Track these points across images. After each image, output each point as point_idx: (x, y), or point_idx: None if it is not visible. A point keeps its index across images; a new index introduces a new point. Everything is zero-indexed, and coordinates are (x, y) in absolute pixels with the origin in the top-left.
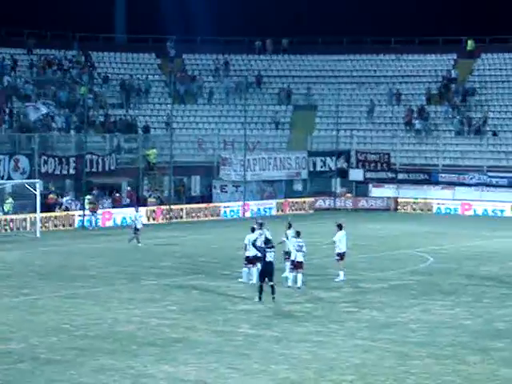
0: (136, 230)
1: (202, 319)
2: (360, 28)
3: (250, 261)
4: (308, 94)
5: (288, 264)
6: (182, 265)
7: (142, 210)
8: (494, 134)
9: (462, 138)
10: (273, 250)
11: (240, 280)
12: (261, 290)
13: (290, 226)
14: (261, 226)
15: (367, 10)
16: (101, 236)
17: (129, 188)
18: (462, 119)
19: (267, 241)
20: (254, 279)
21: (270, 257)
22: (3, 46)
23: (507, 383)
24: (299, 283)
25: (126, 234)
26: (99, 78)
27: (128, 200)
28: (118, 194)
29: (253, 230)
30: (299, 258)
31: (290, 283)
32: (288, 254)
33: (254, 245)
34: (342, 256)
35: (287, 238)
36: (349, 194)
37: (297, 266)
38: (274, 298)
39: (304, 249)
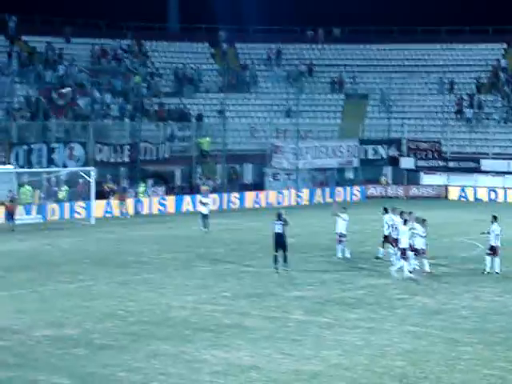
0: (204, 215)
1: (254, 305)
2: (410, 17)
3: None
4: (359, 82)
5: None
6: (234, 252)
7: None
8: None
9: (511, 127)
10: (280, 222)
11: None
12: (275, 260)
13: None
14: (279, 216)
15: None
16: (154, 223)
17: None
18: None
19: (279, 216)
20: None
21: (277, 229)
22: (57, 36)
23: None
24: (427, 268)
25: (179, 222)
26: (153, 67)
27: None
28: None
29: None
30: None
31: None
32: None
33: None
34: (494, 250)
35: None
36: (385, 181)
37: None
38: (285, 267)
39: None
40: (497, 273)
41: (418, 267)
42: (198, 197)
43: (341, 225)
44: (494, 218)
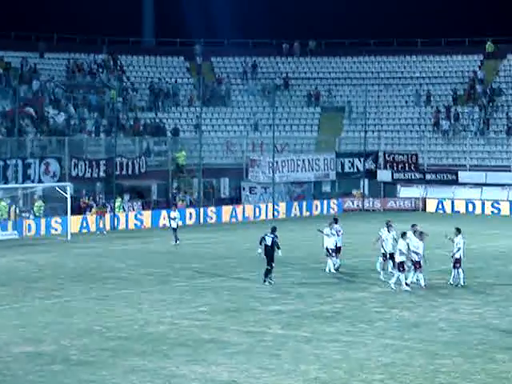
0: (174, 229)
1: (232, 320)
2: (387, 29)
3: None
4: (335, 95)
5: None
6: (211, 266)
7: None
8: None
9: (488, 138)
10: (271, 236)
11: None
12: (266, 273)
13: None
14: (273, 230)
15: (393, 11)
16: (131, 238)
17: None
18: (489, 119)
19: (273, 229)
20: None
21: (268, 241)
22: (32, 51)
23: None
24: (422, 282)
25: (155, 237)
26: (128, 82)
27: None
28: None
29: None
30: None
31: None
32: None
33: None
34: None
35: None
36: (358, 194)
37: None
38: (266, 279)
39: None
40: (461, 285)
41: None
42: (168, 212)
43: (326, 240)
44: (458, 230)
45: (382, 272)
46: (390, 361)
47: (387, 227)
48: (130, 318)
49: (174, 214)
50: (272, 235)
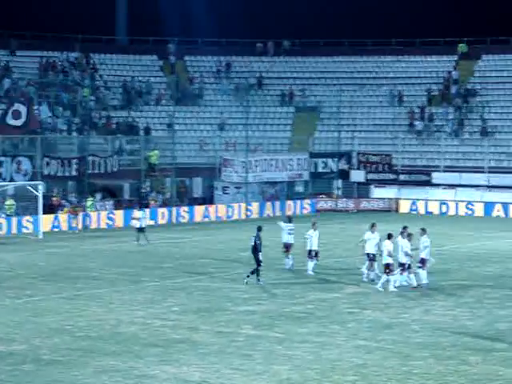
0: (139, 229)
1: (204, 320)
2: (361, 30)
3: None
4: (309, 95)
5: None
6: (183, 266)
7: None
8: (487, 134)
9: (462, 139)
10: (253, 236)
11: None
12: (256, 273)
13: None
14: (289, 220)
15: (368, 11)
16: (102, 238)
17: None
18: (463, 120)
19: (259, 229)
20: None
21: (252, 241)
22: (4, 48)
23: (509, 383)
24: (414, 283)
25: (127, 236)
26: (101, 80)
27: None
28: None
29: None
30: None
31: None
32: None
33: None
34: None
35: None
36: (334, 195)
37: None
38: (248, 277)
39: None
40: (424, 285)
41: (405, 283)
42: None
43: (311, 241)
44: (423, 230)
45: (365, 273)
46: (363, 362)
47: (371, 229)
48: (101, 317)
49: (138, 214)
50: (253, 236)
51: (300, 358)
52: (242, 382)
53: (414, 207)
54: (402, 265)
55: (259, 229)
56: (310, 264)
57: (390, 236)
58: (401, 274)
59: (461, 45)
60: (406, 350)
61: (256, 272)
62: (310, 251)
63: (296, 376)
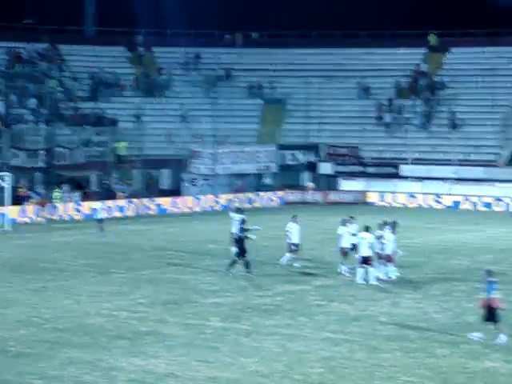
0: (98, 220)
1: (171, 312)
2: (329, 21)
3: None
4: (277, 87)
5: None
6: (151, 258)
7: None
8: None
9: (431, 132)
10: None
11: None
12: (231, 263)
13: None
14: (237, 211)
15: (336, 3)
16: (70, 229)
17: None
18: (432, 113)
19: (243, 221)
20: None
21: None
22: None
23: (476, 376)
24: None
25: (94, 228)
26: (68, 71)
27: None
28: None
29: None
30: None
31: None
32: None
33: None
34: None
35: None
36: (310, 186)
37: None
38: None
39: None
40: (390, 279)
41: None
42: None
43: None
44: (385, 223)
45: (342, 267)
46: (330, 354)
47: (342, 223)
48: (68, 309)
49: (97, 204)
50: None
51: (267, 350)
52: (210, 374)
53: (381, 199)
54: (383, 256)
55: (243, 222)
56: (287, 256)
57: (367, 228)
58: (385, 265)
59: (431, 35)
60: (373, 343)
61: (246, 264)
62: (291, 244)
63: (263, 368)
